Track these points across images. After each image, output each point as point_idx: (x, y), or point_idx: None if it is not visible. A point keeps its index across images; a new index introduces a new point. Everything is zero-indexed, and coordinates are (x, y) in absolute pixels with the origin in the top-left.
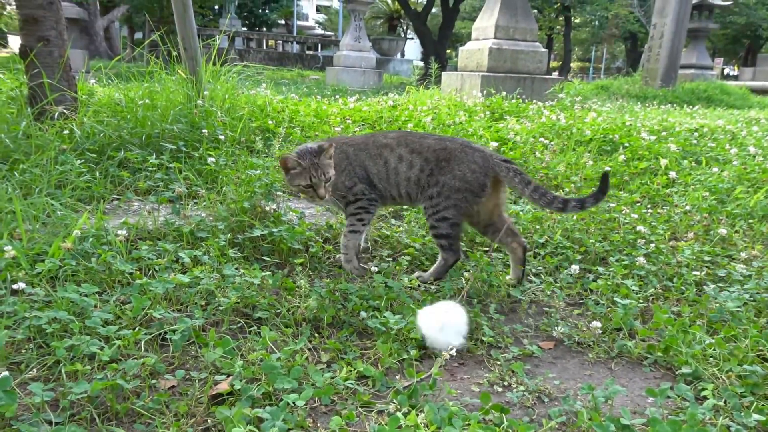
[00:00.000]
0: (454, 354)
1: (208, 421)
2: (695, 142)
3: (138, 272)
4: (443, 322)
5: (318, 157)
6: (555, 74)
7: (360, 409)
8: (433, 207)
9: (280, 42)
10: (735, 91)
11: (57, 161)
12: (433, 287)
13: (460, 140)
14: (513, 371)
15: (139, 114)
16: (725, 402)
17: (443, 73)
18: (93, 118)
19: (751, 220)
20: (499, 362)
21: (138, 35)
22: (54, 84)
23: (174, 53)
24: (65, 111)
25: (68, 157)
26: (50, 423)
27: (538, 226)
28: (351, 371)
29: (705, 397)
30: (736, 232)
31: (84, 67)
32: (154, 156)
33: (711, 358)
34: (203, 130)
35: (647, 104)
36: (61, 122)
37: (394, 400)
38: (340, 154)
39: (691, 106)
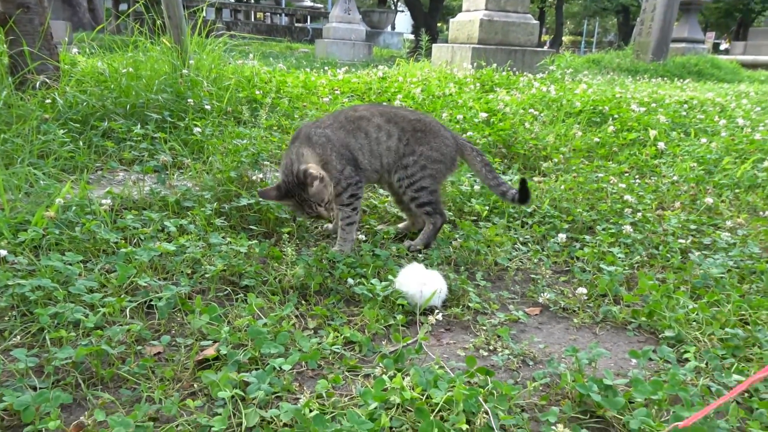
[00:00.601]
0: (440, 319)
1: (195, 385)
2: (684, 114)
3: (123, 241)
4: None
5: (305, 190)
6: (546, 47)
7: (346, 373)
8: (408, 177)
9: (269, 14)
10: (726, 65)
11: (39, 131)
12: (420, 255)
13: (430, 116)
14: (499, 336)
15: (123, 83)
16: (707, 364)
17: (434, 45)
18: (76, 88)
19: (737, 190)
20: (485, 327)
21: (123, 6)
22: (35, 52)
23: (159, 22)
24: (47, 80)
25: (51, 127)
26: (34, 388)
27: None
28: (338, 337)
29: (687, 359)
30: (722, 201)
31: (66, 38)
32: (138, 126)
33: (694, 323)
34: (189, 100)
35: (638, 78)
36: (43, 91)
37: (381, 364)
38: (321, 138)
39: (681, 80)
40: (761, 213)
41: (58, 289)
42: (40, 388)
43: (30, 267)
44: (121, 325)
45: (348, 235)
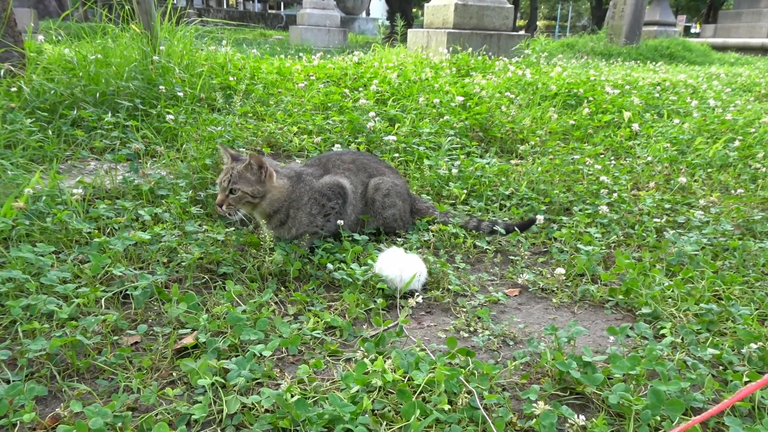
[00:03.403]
0: (421, 302)
1: (174, 374)
2: (658, 95)
3: (96, 231)
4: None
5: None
6: (521, 32)
7: (328, 358)
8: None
9: (242, 0)
10: (697, 48)
11: (5, 120)
12: (399, 239)
13: (404, 182)
14: (479, 317)
15: (91, 71)
16: (682, 339)
17: (409, 30)
18: (43, 76)
19: (709, 170)
20: (465, 309)
21: None
22: None
23: (127, 8)
24: (12, 68)
25: (18, 116)
26: (7, 381)
27: (503, 179)
28: (318, 322)
29: (663, 335)
30: (695, 181)
31: (32, 24)
32: (109, 114)
33: (669, 299)
34: (161, 87)
35: (612, 61)
36: (8, 80)
37: (362, 348)
38: (305, 188)
39: (654, 63)
40: (733, 191)
41: (29, 280)
42: (14, 381)
43: (0, 259)
44: (97, 315)
45: (310, 237)
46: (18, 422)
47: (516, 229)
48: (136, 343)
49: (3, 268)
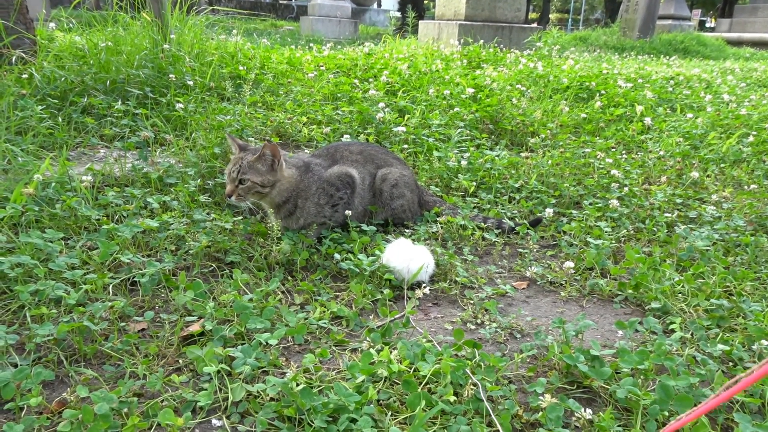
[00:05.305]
0: (428, 294)
1: (180, 361)
2: (671, 89)
3: (105, 218)
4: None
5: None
6: (534, 25)
7: (334, 348)
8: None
9: None
10: (711, 43)
11: (16, 107)
12: (407, 231)
13: (411, 173)
14: (486, 309)
15: (102, 58)
16: (692, 334)
17: (420, 22)
18: (54, 63)
19: (722, 165)
20: (472, 301)
21: None
22: (10, 26)
23: None
24: (23, 55)
25: (28, 103)
26: (15, 365)
27: (513, 171)
28: (325, 311)
29: (673, 330)
30: (707, 176)
31: (43, 11)
32: (119, 102)
33: (679, 294)
34: (171, 76)
35: (625, 55)
36: (19, 67)
37: (368, 338)
38: (312, 178)
39: (667, 57)
40: (746, 187)
41: (38, 266)
42: (21, 365)
43: (9, 244)
44: (104, 301)
45: (318, 227)
46: (25, 406)
47: (525, 222)
48: (143, 329)
49: (12, 253)
